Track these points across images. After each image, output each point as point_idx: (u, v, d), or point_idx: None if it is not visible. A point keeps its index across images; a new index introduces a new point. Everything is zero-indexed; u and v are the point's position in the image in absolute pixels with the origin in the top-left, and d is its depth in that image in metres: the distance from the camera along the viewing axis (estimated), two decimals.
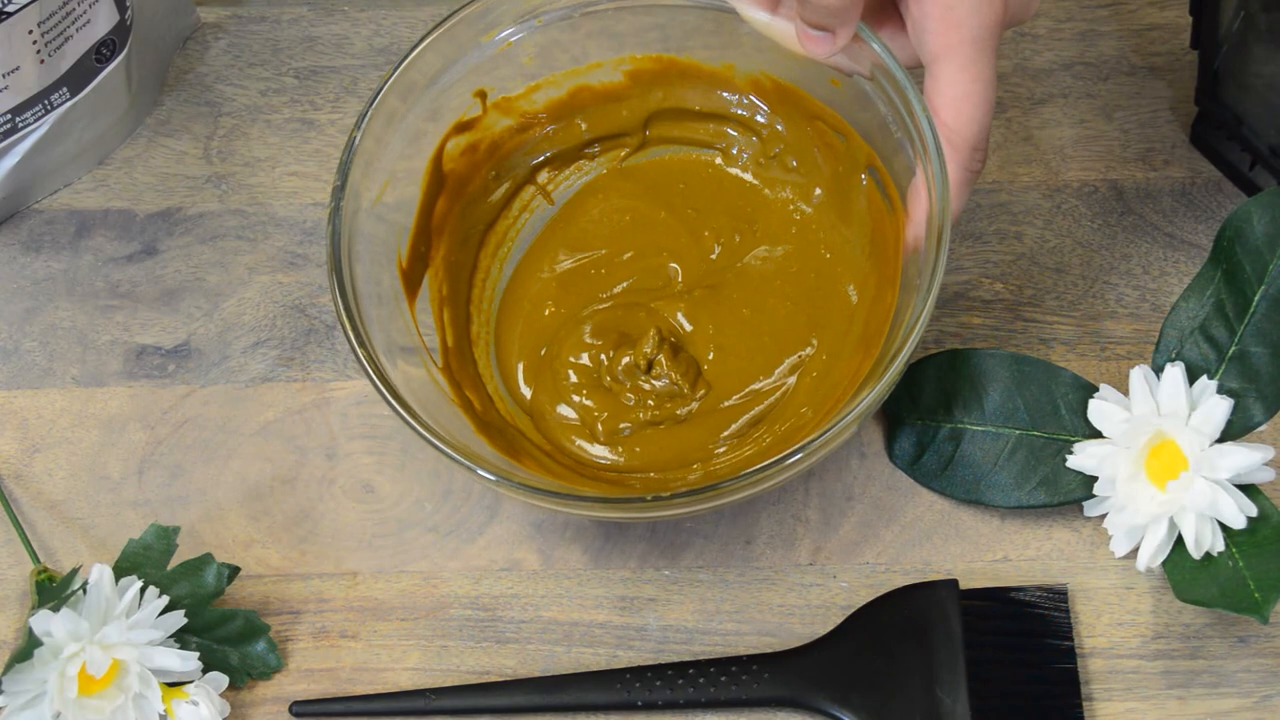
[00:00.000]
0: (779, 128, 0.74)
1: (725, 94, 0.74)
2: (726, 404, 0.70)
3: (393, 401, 0.63)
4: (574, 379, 0.71)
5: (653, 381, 0.70)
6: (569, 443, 0.70)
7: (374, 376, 0.64)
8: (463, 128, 0.72)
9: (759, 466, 0.62)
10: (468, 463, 0.62)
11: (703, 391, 0.71)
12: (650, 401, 0.70)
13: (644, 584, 0.69)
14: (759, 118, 0.74)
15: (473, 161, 0.73)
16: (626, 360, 0.71)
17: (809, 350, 0.71)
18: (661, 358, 0.70)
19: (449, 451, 0.62)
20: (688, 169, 0.76)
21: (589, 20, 0.72)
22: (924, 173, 0.65)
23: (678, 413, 0.70)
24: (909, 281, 0.66)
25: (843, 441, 0.64)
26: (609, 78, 0.74)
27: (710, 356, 0.71)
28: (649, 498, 0.62)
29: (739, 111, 0.75)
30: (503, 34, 0.71)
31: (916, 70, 0.67)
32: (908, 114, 0.66)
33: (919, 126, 0.65)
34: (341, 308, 0.65)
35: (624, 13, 0.73)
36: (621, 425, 0.70)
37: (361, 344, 0.64)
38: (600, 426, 0.70)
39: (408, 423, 0.63)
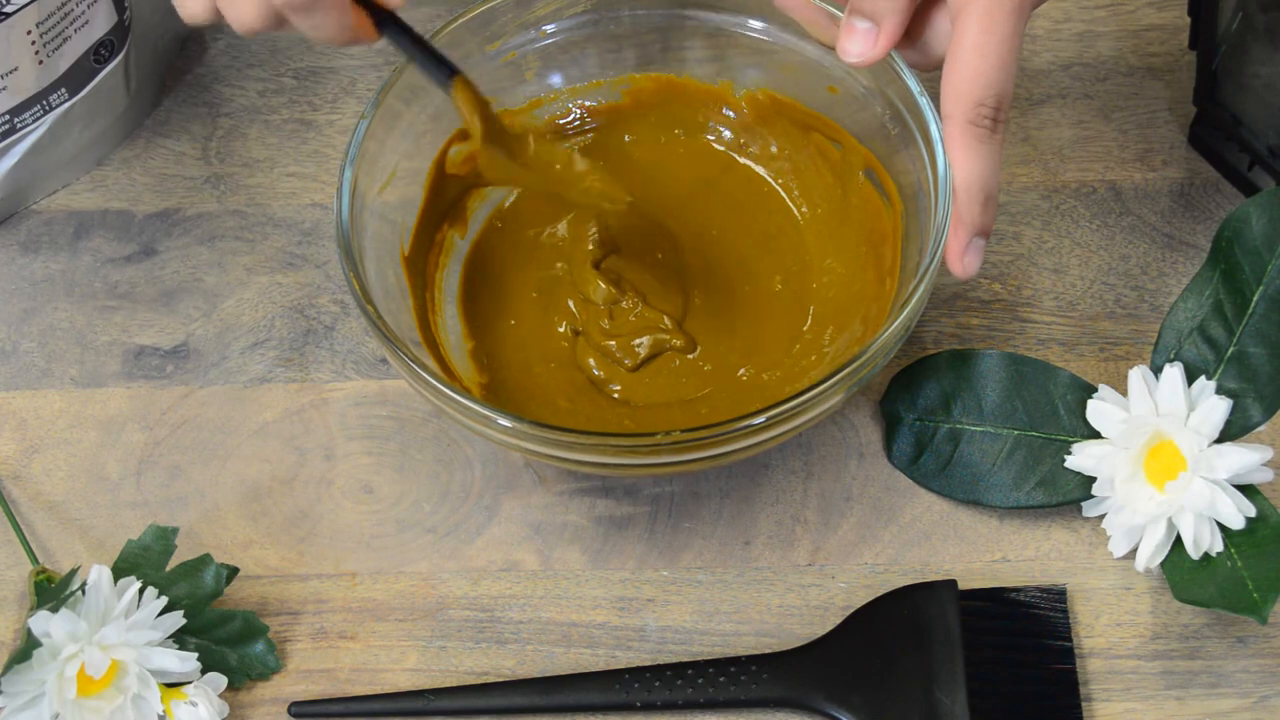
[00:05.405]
0: (773, 148, 0.74)
1: (725, 110, 0.74)
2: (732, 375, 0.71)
3: (418, 368, 0.62)
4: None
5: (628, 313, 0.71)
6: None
7: (395, 346, 0.63)
8: (465, 135, 0.72)
9: (769, 406, 0.61)
10: (488, 411, 0.61)
11: (696, 349, 0.71)
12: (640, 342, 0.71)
13: (642, 585, 0.69)
14: (753, 137, 0.74)
15: (474, 170, 0.73)
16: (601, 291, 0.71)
17: (806, 326, 0.71)
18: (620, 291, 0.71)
19: (473, 404, 0.62)
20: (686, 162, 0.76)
21: (592, 39, 0.72)
22: (928, 160, 0.66)
23: (674, 362, 0.71)
24: (908, 268, 0.67)
25: (852, 391, 0.63)
26: (609, 97, 0.75)
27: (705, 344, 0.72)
28: (660, 434, 0.61)
29: (729, 135, 0.75)
30: (507, 44, 0.72)
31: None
32: (908, 110, 0.66)
33: (920, 118, 0.66)
34: (360, 293, 0.64)
35: (625, 28, 0.73)
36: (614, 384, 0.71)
37: (379, 318, 0.64)
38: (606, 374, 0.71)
39: (430, 383, 0.62)
